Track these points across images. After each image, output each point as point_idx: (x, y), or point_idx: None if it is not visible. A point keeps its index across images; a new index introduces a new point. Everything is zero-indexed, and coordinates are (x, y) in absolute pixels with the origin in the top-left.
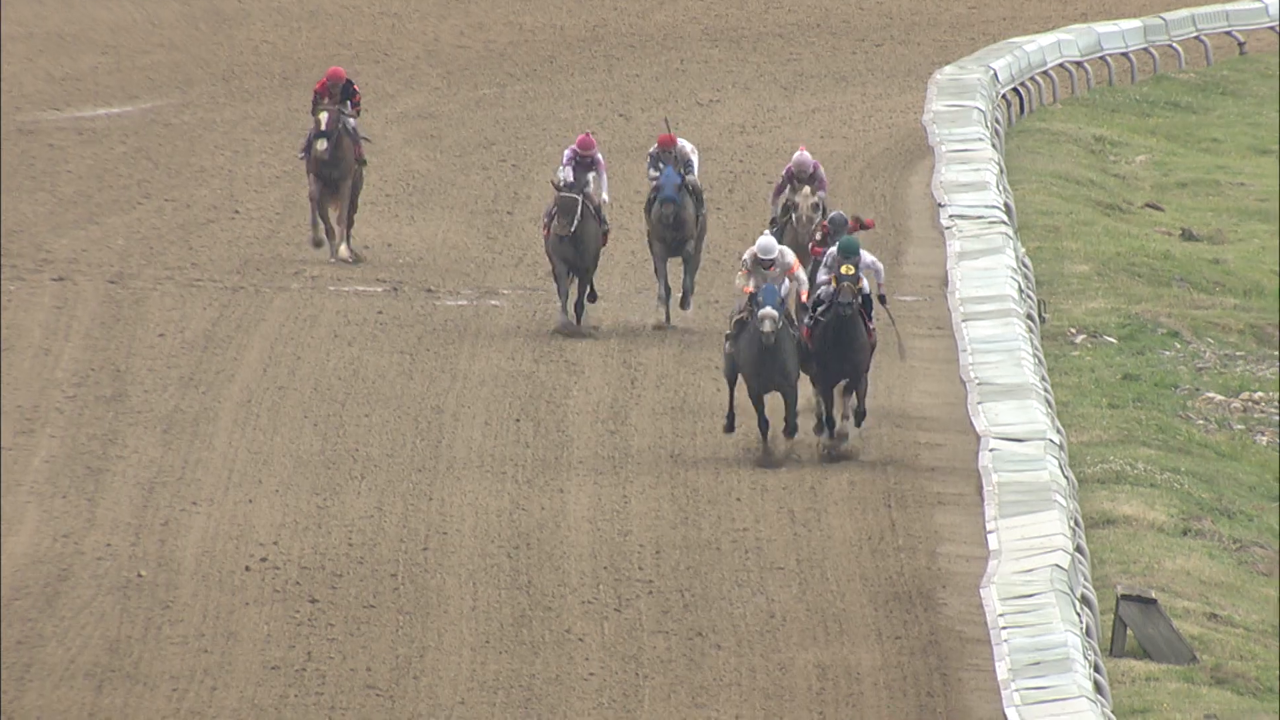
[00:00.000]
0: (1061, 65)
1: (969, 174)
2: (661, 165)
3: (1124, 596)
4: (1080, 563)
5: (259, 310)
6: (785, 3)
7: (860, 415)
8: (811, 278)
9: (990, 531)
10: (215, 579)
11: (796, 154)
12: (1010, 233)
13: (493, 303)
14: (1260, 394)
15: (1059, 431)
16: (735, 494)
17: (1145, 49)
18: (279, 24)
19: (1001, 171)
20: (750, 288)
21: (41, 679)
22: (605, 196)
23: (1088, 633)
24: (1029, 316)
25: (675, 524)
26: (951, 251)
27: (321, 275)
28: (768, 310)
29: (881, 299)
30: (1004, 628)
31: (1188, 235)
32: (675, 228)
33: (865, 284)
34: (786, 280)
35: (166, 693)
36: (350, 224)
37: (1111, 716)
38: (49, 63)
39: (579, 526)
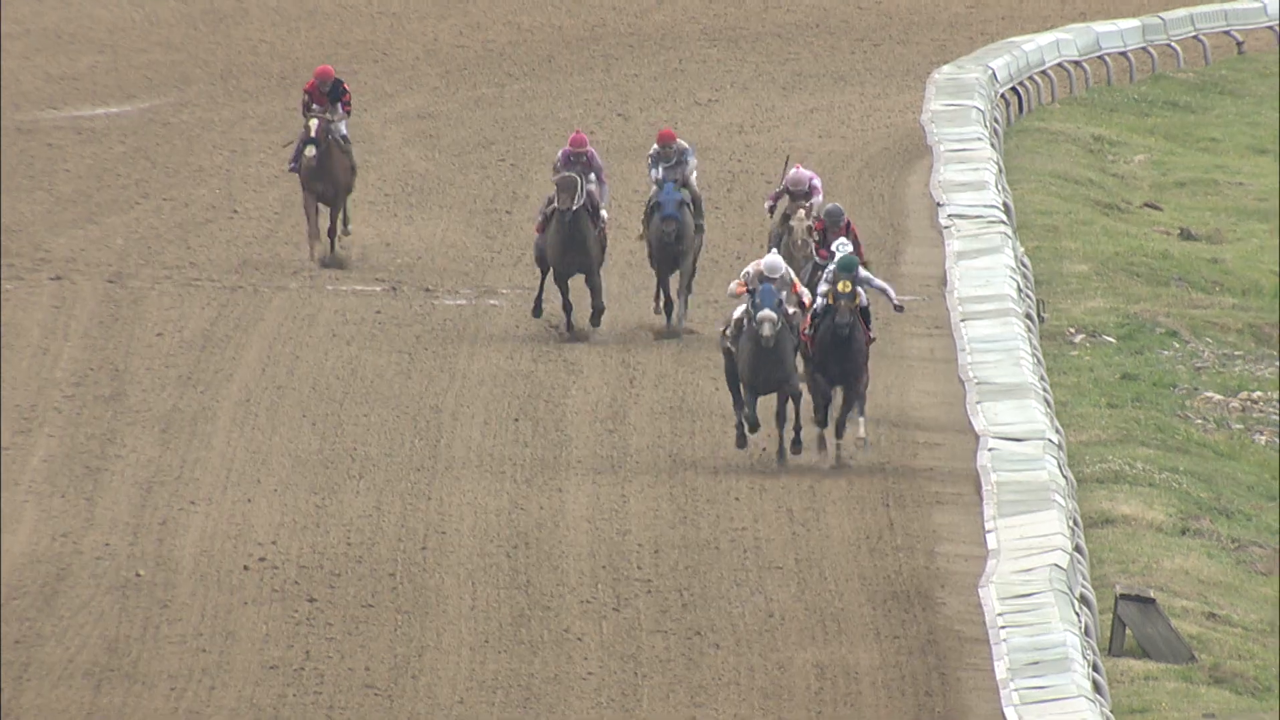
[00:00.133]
0: (1060, 65)
1: (967, 173)
2: (663, 168)
3: (1123, 596)
4: (1079, 562)
5: (257, 310)
6: (784, 2)
7: (861, 408)
8: (816, 283)
9: (989, 531)
10: (213, 578)
11: (792, 172)
12: (1009, 232)
13: (491, 302)
14: (1259, 393)
15: (1058, 431)
16: (734, 493)
17: (1144, 48)
18: (277, 23)
19: (1000, 171)
20: (744, 286)
21: (40, 678)
22: (604, 214)
23: (1086, 632)
24: (1028, 316)
25: (674, 523)
26: (950, 251)
27: (320, 275)
28: (766, 313)
29: (898, 308)
30: (1003, 627)
31: (1186, 235)
32: (676, 241)
33: (864, 298)
34: (784, 292)
35: (165, 692)
36: (334, 231)
37: (1110, 716)
38: (47, 61)
39: (577, 526)
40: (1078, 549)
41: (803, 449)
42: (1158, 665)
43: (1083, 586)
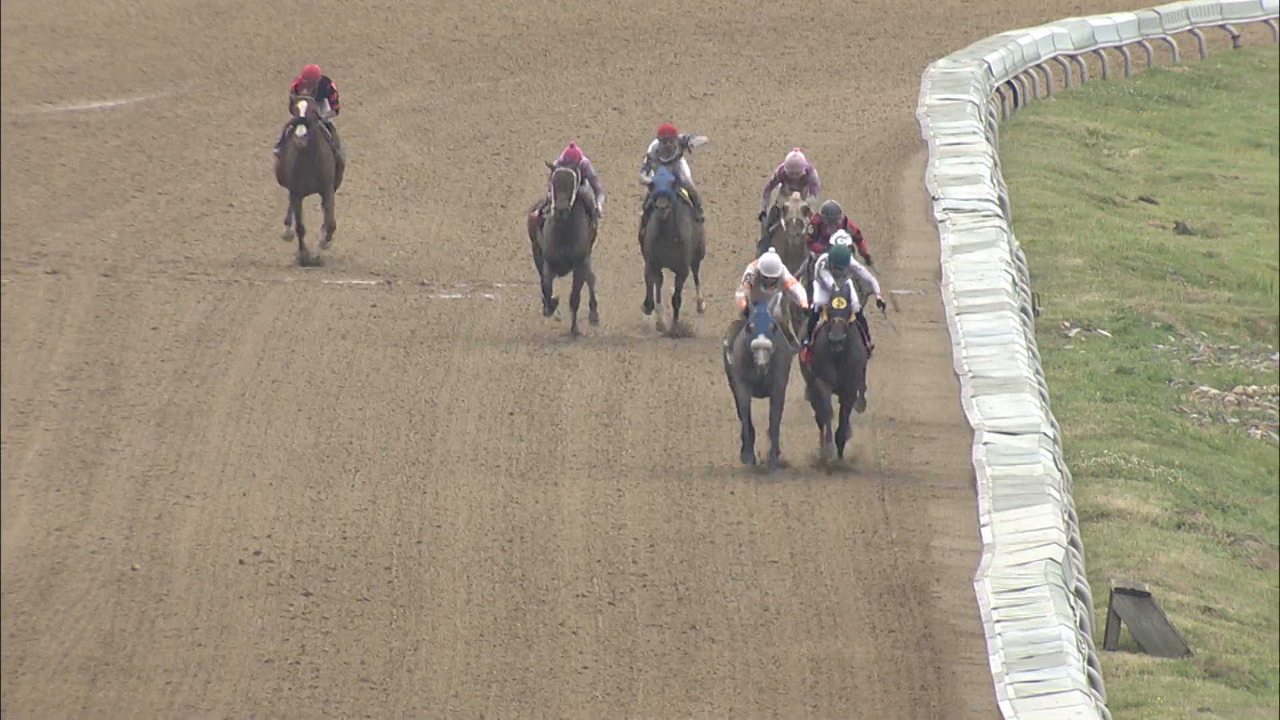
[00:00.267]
0: (1055, 59)
1: (963, 167)
2: (655, 168)
3: (1118, 590)
4: (1074, 556)
5: (253, 304)
6: None
7: (861, 406)
8: (811, 276)
9: (984, 525)
10: (209, 572)
11: (790, 154)
12: (1004, 226)
13: (487, 296)
14: (1254, 387)
15: (1053, 425)
16: (729, 488)
17: (1139, 42)
18: (272, 17)
19: (995, 165)
20: (745, 301)
21: (35, 672)
22: (600, 207)
23: (1081, 626)
24: (1023, 310)
25: (669, 518)
26: (945, 245)
27: (315, 269)
28: (761, 341)
29: (881, 305)
30: (998, 621)
31: (1182, 229)
32: (674, 228)
33: (858, 303)
34: (779, 293)
35: (160, 686)
36: (332, 225)
37: (1105, 710)
38: (43, 56)
39: (573, 520)
40: (1073, 543)
41: (780, 461)
42: (1153, 659)
43: (1078, 580)
